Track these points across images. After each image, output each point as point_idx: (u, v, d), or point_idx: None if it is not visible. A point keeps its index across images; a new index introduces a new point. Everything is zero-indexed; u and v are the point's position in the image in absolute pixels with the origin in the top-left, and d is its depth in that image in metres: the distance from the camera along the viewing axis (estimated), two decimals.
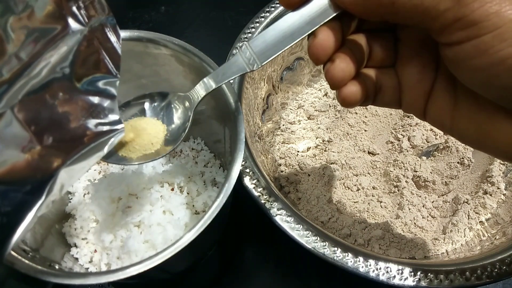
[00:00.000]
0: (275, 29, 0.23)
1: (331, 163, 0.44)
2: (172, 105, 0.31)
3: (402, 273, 0.30)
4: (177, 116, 0.30)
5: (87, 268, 0.35)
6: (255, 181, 0.34)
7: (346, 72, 0.23)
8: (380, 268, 0.30)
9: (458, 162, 0.43)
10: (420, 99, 0.24)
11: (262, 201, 0.33)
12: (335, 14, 0.22)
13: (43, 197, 0.22)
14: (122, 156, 0.29)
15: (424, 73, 0.24)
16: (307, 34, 0.23)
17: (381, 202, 0.41)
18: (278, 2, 0.44)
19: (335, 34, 0.22)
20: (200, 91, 0.29)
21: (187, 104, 0.30)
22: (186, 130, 0.30)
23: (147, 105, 0.31)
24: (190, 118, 0.30)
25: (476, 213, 0.40)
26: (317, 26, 0.22)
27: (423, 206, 0.41)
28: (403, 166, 0.43)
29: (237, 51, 0.26)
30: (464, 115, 0.22)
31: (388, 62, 0.25)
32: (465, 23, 0.18)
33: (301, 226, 0.32)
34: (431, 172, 0.42)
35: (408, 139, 0.45)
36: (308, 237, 0.31)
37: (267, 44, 0.24)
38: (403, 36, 0.24)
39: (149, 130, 0.30)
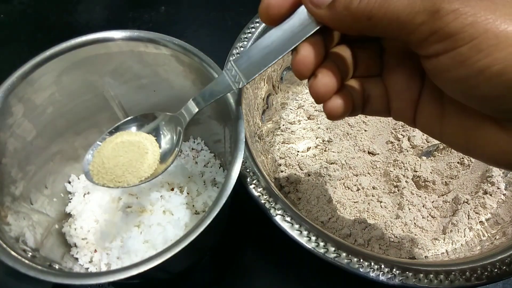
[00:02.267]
0: (258, 46, 0.24)
1: (331, 163, 0.44)
2: (160, 129, 0.31)
3: (402, 273, 0.30)
4: (168, 138, 0.31)
5: (87, 268, 0.35)
6: (255, 181, 0.34)
7: (328, 87, 0.23)
8: (380, 268, 0.30)
9: (458, 162, 0.43)
10: (408, 107, 0.25)
11: (262, 201, 0.33)
12: (316, 29, 0.22)
13: None
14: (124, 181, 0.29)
15: (410, 82, 0.24)
16: (290, 50, 0.23)
17: (381, 202, 0.41)
18: None
19: (317, 49, 0.23)
20: (188, 111, 0.29)
21: (175, 125, 0.30)
22: (177, 150, 0.30)
23: (134, 130, 0.31)
24: (181, 139, 0.30)
25: (476, 213, 0.40)
26: (299, 42, 0.22)
27: (423, 206, 0.41)
28: (403, 166, 0.43)
29: (224, 70, 0.26)
30: (452, 122, 0.23)
31: (375, 71, 0.25)
32: (441, 36, 0.18)
33: (301, 226, 0.32)
34: (431, 172, 0.42)
35: (408, 139, 0.45)
36: (308, 237, 0.31)
37: (251, 62, 0.24)
38: (387, 45, 0.25)
39: (151, 151, 0.30)
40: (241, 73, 0.25)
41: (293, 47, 0.23)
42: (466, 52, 0.18)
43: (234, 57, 0.25)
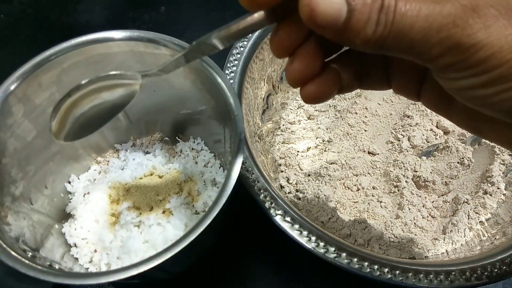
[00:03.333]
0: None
1: (331, 163, 0.44)
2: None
3: (402, 273, 0.30)
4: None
5: (87, 268, 0.35)
6: (255, 181, 0.34)
7: (304, 73, 0.21)
8: (380, 268, 0.30)
9: (458, 162, 0.43)
10: (413, 83, 0.24)
11: (262, 201, 0.33)
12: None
13: None
14: None
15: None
16: (268, 25, 0.21)
17: (381, 202, 0.41)
18: None
19: (297, 29, 0.20)
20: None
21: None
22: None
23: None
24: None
25: (476, 213, 0.40)
26: (279, 20, 0.20)
27: (423, 206, 0.41)
28: (403, 166, 0.43)
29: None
30: (461, 108, 0.22)
31: None
32: (460, 67, 0.18)
33: (301, 226, 0.32)
34: (431, 172, 0.42)
35: (408, 139, 0.45)
36: (308, 237, 0.31)
37: (228, 33, 0.22)
38: None
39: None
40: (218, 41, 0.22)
41: (272, 24, 0.21)
42: (487, 80, 0.18)
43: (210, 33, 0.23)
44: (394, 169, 0.43)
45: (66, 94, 0.27)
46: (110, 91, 0.28)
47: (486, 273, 0.30)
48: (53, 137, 0.27)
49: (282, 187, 0.43)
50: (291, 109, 0.49)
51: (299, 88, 0.22)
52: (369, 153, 0.45)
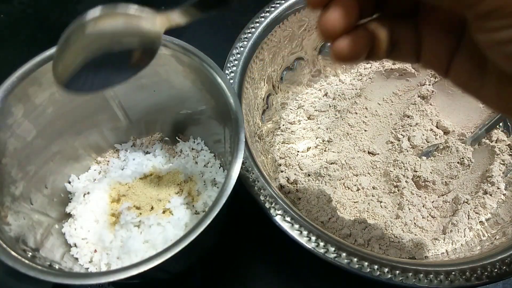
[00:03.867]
0: None
1: (331, 163, 0.44)
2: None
3: (402, 273, 0.30)
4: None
5: (87, 268, 0.35)
6: (255, 181, 0.34)
7: (338, 23, 0.20)
8: (380, 268, 0.30)
9: (458, 162, 0.43)
10: (443, 57, 0.22)
11: (262, 201, 0.33)
12: None
13: None
14: None
15: (450, 27, 0.21)
16: None
17: (381, 202, 0.41)
18: (278, 1, 0.44)
19: None
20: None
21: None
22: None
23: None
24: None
25: (476, 213, 0.40)
26: None
27: (423, 206, 0.41)
28: (403, 166, 0.43)
29: None
30: (496, 82, 0.20)
31: (407, 10, 0.22)
32: (502, 14, 0.16)
33: (301, 226, 0.32)
34: (431, 172, 0.42)
35: (408, 139, 0.45)
36: (308, 237, 0.31)
37: None
38: None
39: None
40: None
41: None
42: None
43: None
44: (394, 169, 0.43)
45: (77, 24, 0.23)
46: (127, 37, 0.25)
47: (486, 273, 0.30)
48: (56, 82, 0.25)
49: (282, 187, 0.43)
50: (291, 109, 0.49)
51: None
52: (369, 153, 0.45)
